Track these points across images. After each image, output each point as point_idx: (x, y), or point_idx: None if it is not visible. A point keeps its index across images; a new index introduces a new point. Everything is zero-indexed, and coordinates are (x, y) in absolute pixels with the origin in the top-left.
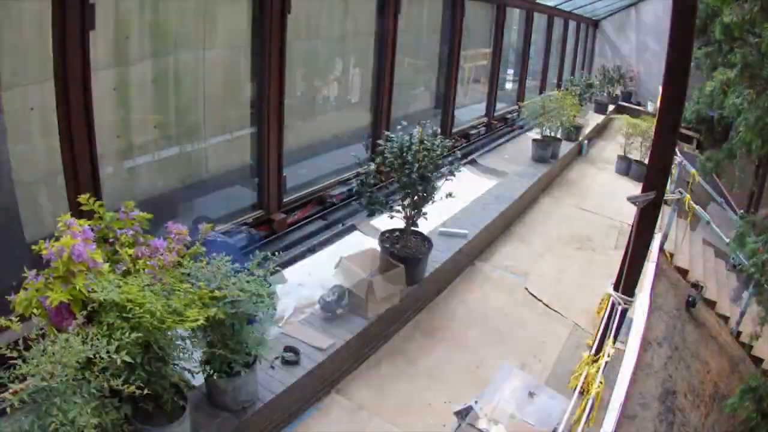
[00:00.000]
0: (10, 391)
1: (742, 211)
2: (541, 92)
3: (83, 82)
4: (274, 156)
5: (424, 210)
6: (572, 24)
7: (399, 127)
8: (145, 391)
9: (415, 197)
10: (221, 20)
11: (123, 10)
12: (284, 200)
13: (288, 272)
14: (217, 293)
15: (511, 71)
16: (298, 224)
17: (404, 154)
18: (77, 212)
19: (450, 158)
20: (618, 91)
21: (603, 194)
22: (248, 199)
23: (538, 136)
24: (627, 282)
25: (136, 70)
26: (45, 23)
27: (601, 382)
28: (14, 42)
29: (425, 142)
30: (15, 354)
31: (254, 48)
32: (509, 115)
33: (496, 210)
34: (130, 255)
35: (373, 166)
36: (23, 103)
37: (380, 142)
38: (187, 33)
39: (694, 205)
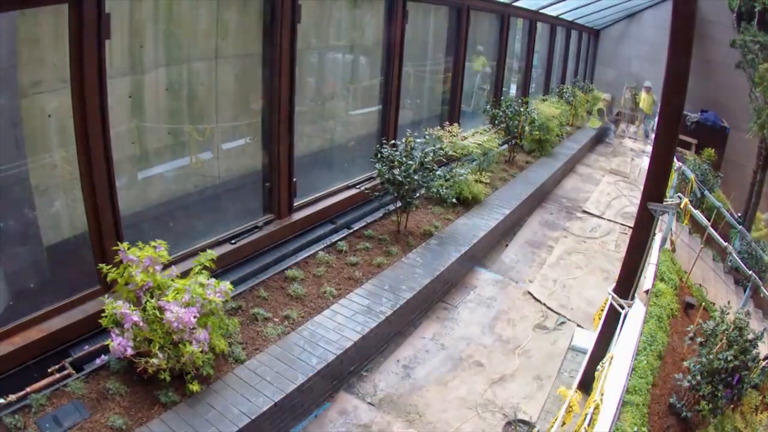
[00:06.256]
0: None
1: (739, 214)
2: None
3: (99, 90)
4: (284, 162)
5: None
6: (574, 33)
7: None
8: None
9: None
10: (233, 29)
11: (138, 20)
12: (294, 204)
13: None
14: None
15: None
16: (308, 228)
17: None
18: (92, 214)
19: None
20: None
21: None
22: (259, 203)
23: None
24: (625, 285)
25: (151, 78)
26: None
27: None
28: (32, 51)
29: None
30: None
31: (265, 56)
32: None
33: None
34: None
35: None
36: (41, 110)
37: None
38: (200, 42)
39: (693, 209)
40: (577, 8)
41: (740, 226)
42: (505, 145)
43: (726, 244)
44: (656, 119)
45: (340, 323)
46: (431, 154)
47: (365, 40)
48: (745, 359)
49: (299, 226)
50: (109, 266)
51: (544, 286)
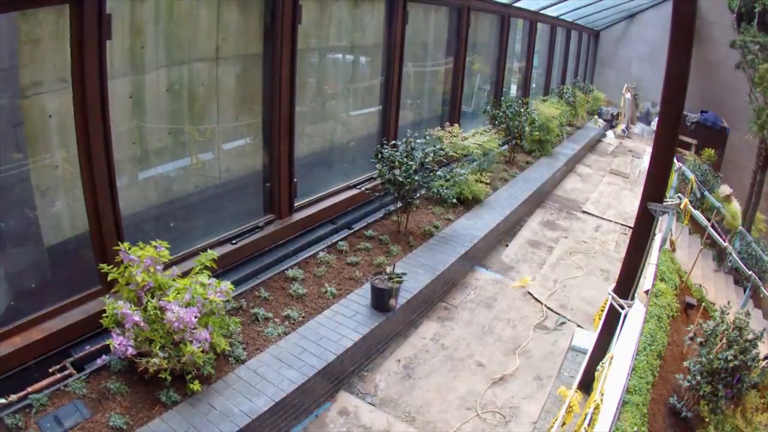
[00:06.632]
0: None
1: None
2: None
3: (100, 90)
4: (285, 162)
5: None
6: (574, 34)
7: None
8: None
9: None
10: (233, 30)
11: (139, 21)
12: (295, 204)
13: None
14: None
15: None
16: (309, 228)
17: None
18: (93, 214)
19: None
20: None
21: None
22: (260, 203)
23: None
24: (625, 285)
25: (151, 78)
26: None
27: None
28: (33, 52)
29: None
30: None
31: (266, 56)
32: None
33: None
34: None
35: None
36: (42, 110)
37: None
38: (201, 43)
39: (693, 210)
40: (577, 9)
41: (740, 227)
42: (506, 146)
43: (726, 244)
44: (656, 120)
45: (341, 323)
46: (432, 155)
47: (366, 41)
48: (745, 359)
49: (300, 226)
50: (110, 266)
51: (544, 286)
